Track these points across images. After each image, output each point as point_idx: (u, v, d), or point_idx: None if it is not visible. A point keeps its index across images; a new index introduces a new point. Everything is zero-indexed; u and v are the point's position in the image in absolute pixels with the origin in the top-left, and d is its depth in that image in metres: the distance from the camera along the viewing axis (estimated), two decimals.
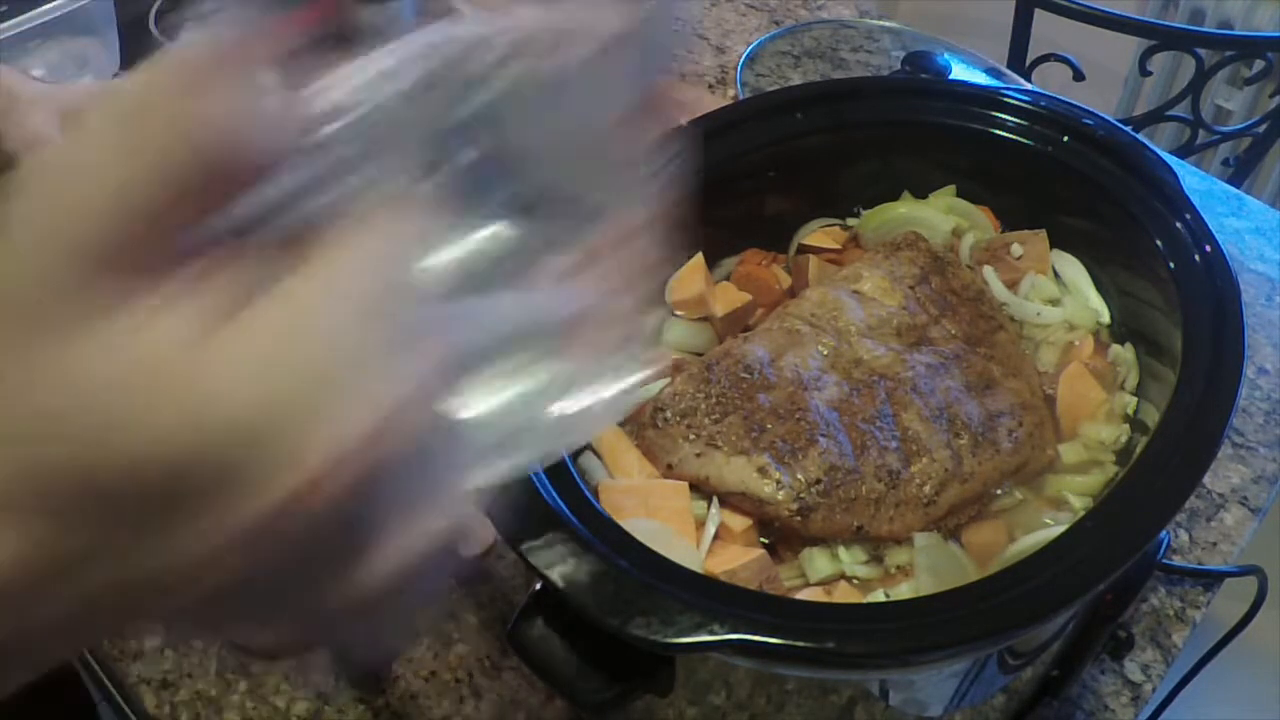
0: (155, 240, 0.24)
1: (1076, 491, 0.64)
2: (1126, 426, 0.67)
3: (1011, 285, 0.74)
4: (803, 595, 0.61)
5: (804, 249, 0.79)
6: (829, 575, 0.62)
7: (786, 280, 0.77)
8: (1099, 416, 0.68)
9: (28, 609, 0.26)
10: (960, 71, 0.77)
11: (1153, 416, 0.62)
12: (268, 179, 0.25)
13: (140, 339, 0.24)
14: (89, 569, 0.25)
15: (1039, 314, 0.72)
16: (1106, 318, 0.73)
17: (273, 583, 0.27)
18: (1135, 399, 0.68)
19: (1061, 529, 0.56)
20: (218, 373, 0.24)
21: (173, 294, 0.24)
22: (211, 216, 0.25)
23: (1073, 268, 0.74)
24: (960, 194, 0.79)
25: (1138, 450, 0.61)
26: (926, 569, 0.61)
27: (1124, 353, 0.70)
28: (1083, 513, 0.62)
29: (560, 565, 0.52)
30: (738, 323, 0.74)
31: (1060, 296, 0.74)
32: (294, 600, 0.28)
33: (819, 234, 0.79)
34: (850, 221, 0.80)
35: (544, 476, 0.55)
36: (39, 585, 0.26)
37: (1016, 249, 0.75)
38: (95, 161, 0.24)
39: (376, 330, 0.25)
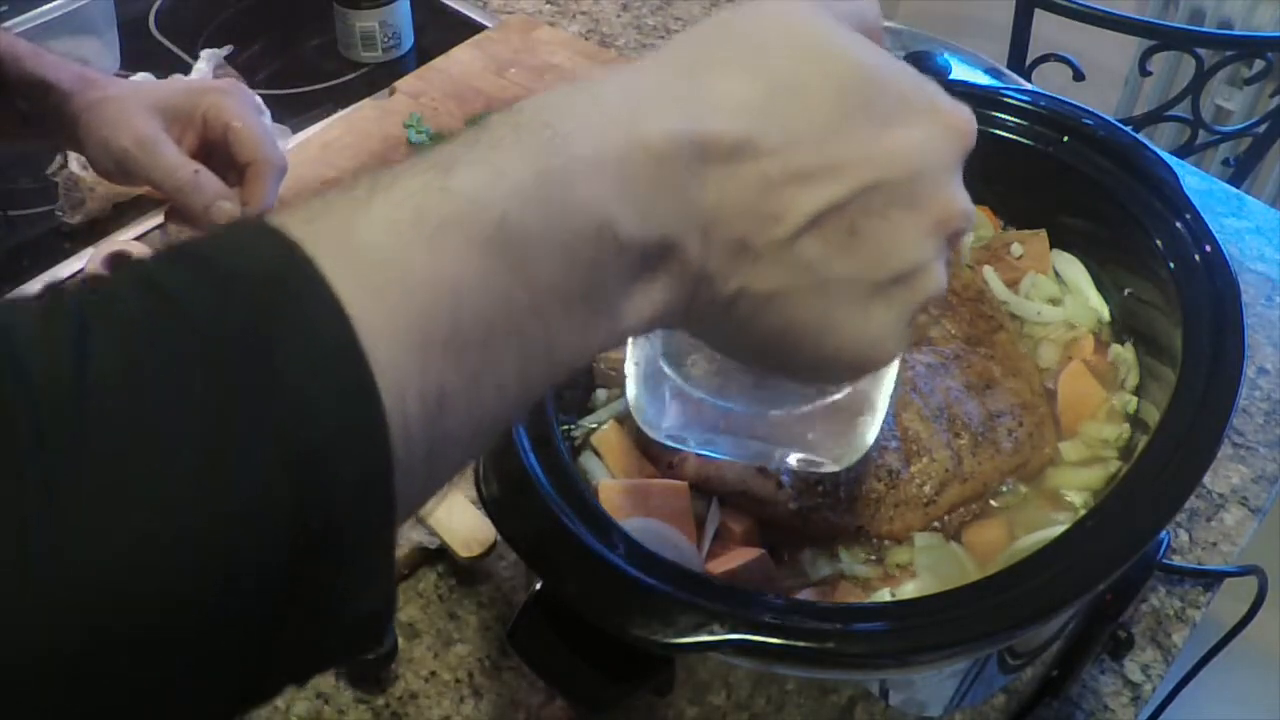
0: None
1: (1078, 488, 0.64)
2: (1127, 425, 0.67)
3: (1011, 285, 0.74)
4: (803, 595, 0.61)
5: None
6: (829, 575, 0.62)
7: None
8: (1099, 415, 0.68)
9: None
10: (960, 71, 0.77)
11: (1153, 416, 0.62)
12: None
13: None
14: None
15: (1039, 313, 0.72)
16: (1107, 317, 0.73)
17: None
18: (1135, 398, 0.68)
19: (1062, 528, 0.56)
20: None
21: None
22: None
23: (1073, 267, 0.74)
24: None
25: (1138, 450, 0.61)
26: (927, 569, 0.61)
27: (1124, 352, 0.70)
28: (1084, 510, 0.62)
29: (560, 565, 0.52)
30: None
31: (1060, 296, 0.74)
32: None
33: None
34: None
35: (544, 476, 0.55)
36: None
37: (1016, 249, 0.75)
38: None
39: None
